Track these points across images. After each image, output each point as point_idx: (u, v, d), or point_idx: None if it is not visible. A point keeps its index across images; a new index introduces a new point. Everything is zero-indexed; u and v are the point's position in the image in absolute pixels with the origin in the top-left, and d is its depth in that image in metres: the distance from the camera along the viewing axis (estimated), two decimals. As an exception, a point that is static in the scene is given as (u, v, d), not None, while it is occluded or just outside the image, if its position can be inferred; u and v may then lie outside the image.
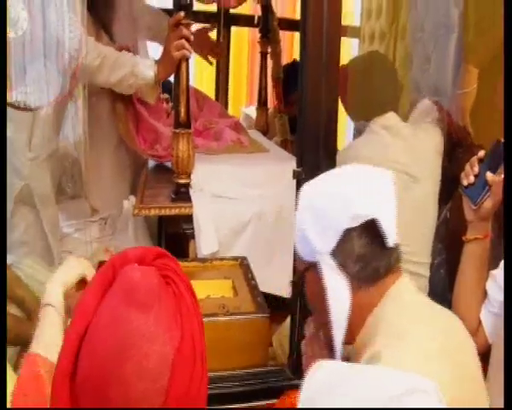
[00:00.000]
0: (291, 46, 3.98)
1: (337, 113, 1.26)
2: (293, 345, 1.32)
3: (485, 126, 1.96)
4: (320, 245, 0.84)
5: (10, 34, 1.11)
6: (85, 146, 1.60)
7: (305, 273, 0.92)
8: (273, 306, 1.39)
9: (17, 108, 1.21)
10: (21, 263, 1.58)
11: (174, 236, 1.71)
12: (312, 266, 0.88)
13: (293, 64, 2.88)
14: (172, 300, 0.62)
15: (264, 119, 2.63)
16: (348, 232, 0.83)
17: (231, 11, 2.99)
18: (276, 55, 2.74)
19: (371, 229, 0.84)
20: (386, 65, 2.01)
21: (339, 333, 0.83)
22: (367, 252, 0.84)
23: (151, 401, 0.59)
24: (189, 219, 1.66)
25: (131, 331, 0.59)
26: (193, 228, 1.65)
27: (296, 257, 0.96)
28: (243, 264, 1.50)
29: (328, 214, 0.84)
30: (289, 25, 3.20)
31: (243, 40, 3.96)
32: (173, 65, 1.65)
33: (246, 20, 3.15)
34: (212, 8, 2.92)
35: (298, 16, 3.79)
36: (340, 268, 0.84)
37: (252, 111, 3.17)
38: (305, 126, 1.22)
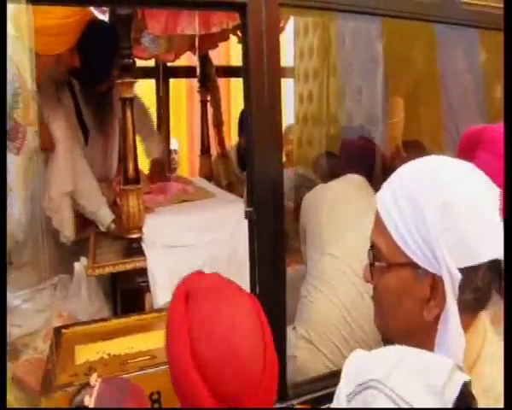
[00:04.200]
0: (228, 92, 4.10)
1: (282, 150, 1.32)
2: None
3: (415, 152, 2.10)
4: (449, 261, 0.72)
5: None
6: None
7: (394, 266, 0.79)
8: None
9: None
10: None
11: (129, 291, 1.71)
12: (412, 267, 0.77)
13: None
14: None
15: (208, 165, 2.69)
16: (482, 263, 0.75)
17: (169, 64, 3.07)
18: (216, 102, 2.84)
19: (496, 268, 0.78)
20: None
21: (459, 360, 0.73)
22: (484, 287, 0.77)
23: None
24: (142, 272, 1.68)
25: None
26: (147, 281, 1.66)
27: (382, 238, 0.80)
28: (200, 309, 1.51)
29: (474, 238, 0.74)
30: (225, 71, 3.30)
31: (181, 91, 4.04)
32: None
33: (184, 72, 3.24)
34: (150, 63, 2.99)
35: (233, 63, 3.92)
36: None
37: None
38: (254, 167, 1.26)
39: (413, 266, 0.76)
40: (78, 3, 1.38)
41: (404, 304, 0.80)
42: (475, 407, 0.59)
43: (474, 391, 0.69)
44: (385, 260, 0.80)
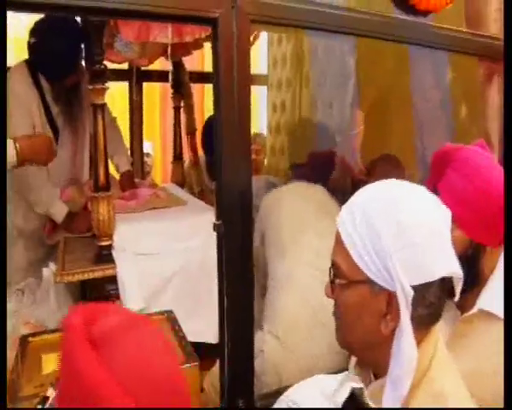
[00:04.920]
0: (202, 97, 4.10)
1: (251, 162, 1.35)
2: (223, 386, 1.36)
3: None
4: (403, 278, 0.77)
5: None
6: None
7: (353, 284, 0.83)
8: (201, 353, 1.41)
9: None
10: None
11: (99, 298, 1.70)
12: (369, 284, 0.81)
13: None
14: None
15: (180, 171, 2.69)
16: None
17: (142, 68, 3.06)
18: (189, 109, 2.84)
19: (447, 282, 0.83)
20: None
21: (407, 377, 0.78)
22: (436, 301, 0.82)
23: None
24: (112, 279, 1.68)
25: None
26: (117, 288, 1.66)
27: (341, 257, 0.85)
28: (170, 317, 1.52)
29: (427, 256, 0.79)
30: (199, 78, 3.31)
31: (155, 95, 4.03)
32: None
33: (157, 76, 3.23)
34: (124, 65, 2.98)
35: (206, 68, 3.91)
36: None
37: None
38: (222, 178, 1.28)
39: (370, 282, 0.81)
40: (50, 11, 1.38)
41: (362, 319, 0.84)
42: (366, 407, 0.70)
43: (427, 394, 0.79)
44: (344, 277, 0.85)
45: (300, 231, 1.74)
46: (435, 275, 0.79)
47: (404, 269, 0.78)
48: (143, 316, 0.76)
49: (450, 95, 2.28)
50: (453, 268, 0.82)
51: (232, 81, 1.25)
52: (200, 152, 2.91)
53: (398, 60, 2.31)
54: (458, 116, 2.24)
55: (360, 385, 0.71)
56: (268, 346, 1.65)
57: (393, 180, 0.87)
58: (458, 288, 0.84)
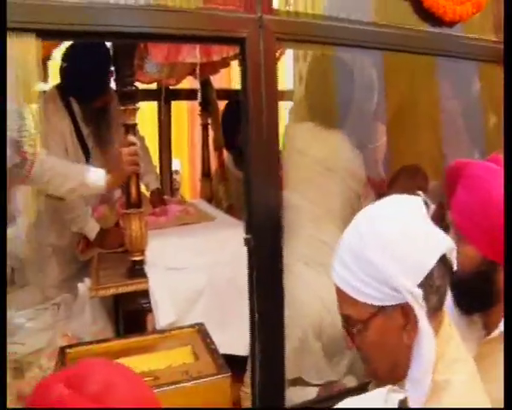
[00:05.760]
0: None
1: (280, 178, 1.38)
2: (254, 393, 1.39)
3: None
4: (408, 284, 0.80)
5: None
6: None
7: (368, 321, 0.85)
8: (232, 365, 1.43)
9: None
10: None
11: (131, 312, 1.75)
12: (381, 311, 0.84)
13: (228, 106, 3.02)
14: None
15: (209, 187, 2.74)
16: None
17: (171, 87, 3.13)
18: (217, 126, 2.90)
19: (445, 260, 0.85)
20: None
21: (427, 378, 0.81)
22: (442, 282, 0.84)
23: None
24: (145, 293, 1.71)
25: None
26: (149, 302, 1.70)
27: (348, 306, 0.88)
28: (201, 330, 1.55)
29: (420, 253, 0.82)
30: (226, 95, 3.36)
31: (183, 113, 4.09)
32: (124, 177, 1.76)
33: (185, 95, 3.30)
34: (152, 85, 3.05)
35: (234, 85, 3.96)
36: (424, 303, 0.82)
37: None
38: (252, 193, 1.31)
39: (381, 310, 0.84)
40: (83, 38, 1.44)
41: (388, 342, 0.86)
42: None
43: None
44: (358, 322, 0.87)
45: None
46: (432, 262, 0.82)
47: (406, 277, 0.80)
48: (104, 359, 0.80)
49: (480, 104, 2.26)
50: (444, 244, 0.84)
51: (260, 99, 1.28)
52: (225, 157, 2.92)
53: (426, 69, 2.30)
54: (487, 126, 2.21)
55: (403, 395, 0.73)
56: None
57: (367, 208, 0.91)
58: (453, 256, 0.87)
